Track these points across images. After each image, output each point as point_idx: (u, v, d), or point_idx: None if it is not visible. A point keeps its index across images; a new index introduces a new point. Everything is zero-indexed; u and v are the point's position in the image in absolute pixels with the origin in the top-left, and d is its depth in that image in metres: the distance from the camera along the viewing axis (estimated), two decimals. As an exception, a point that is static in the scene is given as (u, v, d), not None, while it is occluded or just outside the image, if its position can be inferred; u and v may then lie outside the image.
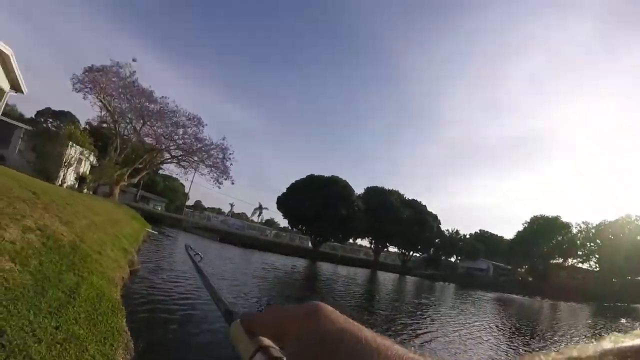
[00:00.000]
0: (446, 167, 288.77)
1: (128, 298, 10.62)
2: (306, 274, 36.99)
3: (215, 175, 37.46)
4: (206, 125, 36.70)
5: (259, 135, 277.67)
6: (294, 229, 71.70)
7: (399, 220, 69.15)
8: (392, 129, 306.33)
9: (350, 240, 76.93)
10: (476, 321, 29.61)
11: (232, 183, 38.82)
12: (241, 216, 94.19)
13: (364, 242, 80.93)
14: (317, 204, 56.94)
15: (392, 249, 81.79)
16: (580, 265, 78.31)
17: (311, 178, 62.94)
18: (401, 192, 75.64)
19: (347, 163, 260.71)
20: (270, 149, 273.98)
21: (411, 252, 79.68)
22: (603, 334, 29.41)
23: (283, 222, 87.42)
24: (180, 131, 36.26)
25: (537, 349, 22.28)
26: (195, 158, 36.99)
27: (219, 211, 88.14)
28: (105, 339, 6.08)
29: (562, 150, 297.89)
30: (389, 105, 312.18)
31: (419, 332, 20.30)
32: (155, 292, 13.29)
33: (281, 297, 18.88)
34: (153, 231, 29.66)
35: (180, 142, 36.49)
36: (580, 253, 76.62)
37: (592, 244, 74.85)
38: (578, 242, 75.76)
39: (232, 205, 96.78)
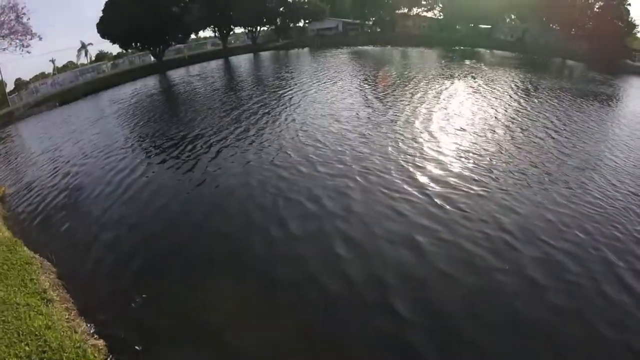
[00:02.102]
0: None
1: (18, 222, 10.79)
2: (160, 92, 34.90)
3: (17, 42, 28.92)
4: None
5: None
6: (129, 50, 62.90)
7: (235, -1, 63.24)
8: None
9: (193, 36, 70.02)
10: (338, 73, 32.63)
11: (40, 39, 29.91)
12: (68, 67, 78.21)
13: (208, 33, 74.72)
14: (142, 11, 48.06)
15: (238, 29, 76.94)
16: (425, 14, 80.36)
17: (125, -16, 51.08)
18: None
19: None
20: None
21: (259, 27, 76.01)
22: (453, 71, 33.58)
23: (115, 49, 76.02)
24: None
25: (393, 87, 25.57)
26: (-16, 36, 27.75)
27: (43, 76, 71.50)
28: (23, 283, 6.57)
29: None
30: None
31: (292, 93, 25.18)
32: (39, 196, 12.75)
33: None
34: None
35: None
36: (425, 2, 77.63)
37: (435, -7, 76.03)
38: (422, -8, 76.29)
39: (53, 61, 78.05)
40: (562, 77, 35.66)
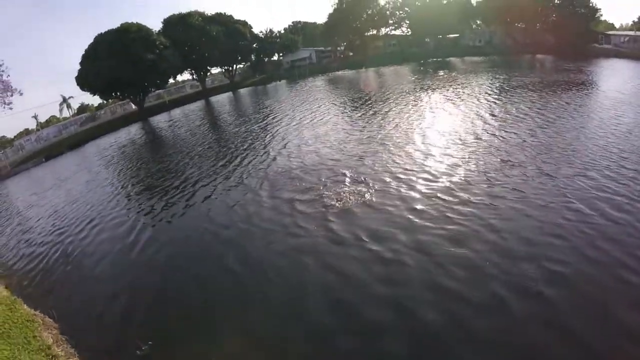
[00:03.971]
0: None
1: (14, 280, 10.83)
2: (142, 139, 34.83)
3: (-3, 98, 28.83)
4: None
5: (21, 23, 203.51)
6: (109, 100, 63.86)
7: (209, 40, 64.46)
8: None
9: (171, 80, 70.92)
10: (320, 100, 32.92)
11: (21, 94, 29.98)
12: (51, 121, 78.79)
13: (186, 76, 75.88)
14: (119, 62, 48.52)
15: (215, 70, 78.31)
16: (394, 32, 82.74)
17: (100, 38, 51.52)
18: (200, 9, 68.92)
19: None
20: (45, 31, 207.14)
21: (235, 66, 77.50)
22: (426, 83, 34.23)
23: (96, 100, 77.10)
24: None
25: (373, 106, 25.87)
26: (-36, 93, 27.61)
27: (27, 132, 71.59)
28: (26, 341, 6.56)
29: None
30: None
31: (279, 126, 24.90)
32: (32, 253, 12.72)
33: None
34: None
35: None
36: (392, 21, 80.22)
37: (400, 12, 78.31)
38: (388, 12, 78.61)
39: (36, 117, 78.02)
40: (534, 72, 36.31)
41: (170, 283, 8.68)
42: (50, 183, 25.30)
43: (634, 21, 74.50)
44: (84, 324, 7.83)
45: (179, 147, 25.33)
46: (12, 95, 29.48)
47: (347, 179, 12.73)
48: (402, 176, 12.24)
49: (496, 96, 24.33)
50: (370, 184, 11.94)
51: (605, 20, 68.73)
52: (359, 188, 11.82)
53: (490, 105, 21.48)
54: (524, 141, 14.31)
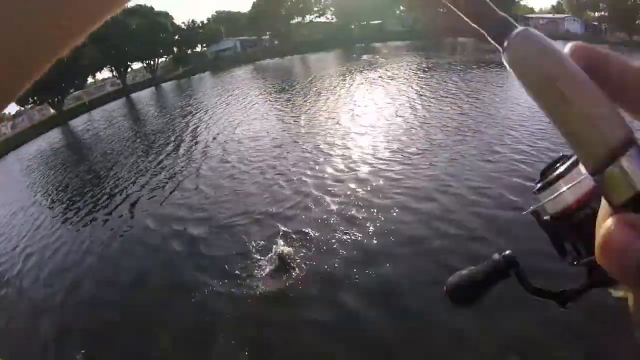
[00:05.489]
0: None
1: None
2: (62, 145, 33.01)
3: None
4: None
5: None
6: (24, 107, 58.91)
7: (128, 34, 61.27)
8: None
9: (90, 79, 66.52)
10: (243, 92, 32.89)
11: None
12: None
13: (106, 74, 71.48)
14: None
15: (136, 65, 74.57)
16: (318, 19, 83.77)
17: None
18: (120, 1, 64.50)
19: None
20: None
21: (157, 60, 74.14)
22: (351, 67, 35.39)
23: (13, 108, 70.42)
24: None
25: (301, 93, 26.58)
26: None
27: None
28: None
29: None
30: None
31: (211, 118, 25.05)
32: None
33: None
34: None
35: None
36: (317, 9, 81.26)
37: (325, -1, 79.83)
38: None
39: None
40: (454, 54, 38.86)
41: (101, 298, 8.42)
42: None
43: (552, 5, 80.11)
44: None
45: (96, 154, 24.43)
46: None
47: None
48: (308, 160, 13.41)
49: (406, 78, 25.78)
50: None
51: (525, 5, 73.46)
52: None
53: (399, 88, 22.73)
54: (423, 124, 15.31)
